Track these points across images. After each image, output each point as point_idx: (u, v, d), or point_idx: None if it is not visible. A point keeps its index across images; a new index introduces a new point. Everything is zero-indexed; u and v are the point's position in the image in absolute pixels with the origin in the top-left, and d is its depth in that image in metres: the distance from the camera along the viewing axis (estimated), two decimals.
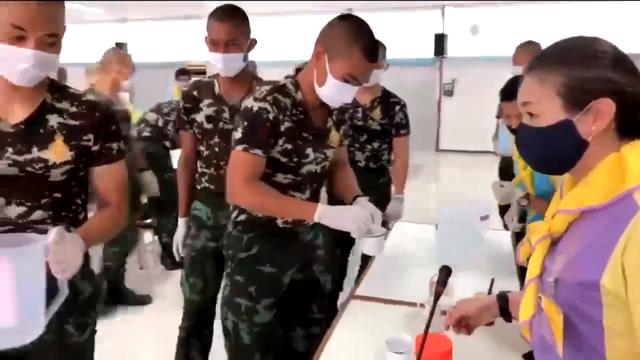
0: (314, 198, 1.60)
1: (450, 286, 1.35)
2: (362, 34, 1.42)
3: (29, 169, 1.10)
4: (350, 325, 1.46)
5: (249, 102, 1.45)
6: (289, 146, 1.48)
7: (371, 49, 1.42)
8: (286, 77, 1.54)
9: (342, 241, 2.43)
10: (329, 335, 1.41)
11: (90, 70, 3.45)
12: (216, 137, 1.86)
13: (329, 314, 1.75)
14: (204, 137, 1.89)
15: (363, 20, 1.46)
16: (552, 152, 0.85)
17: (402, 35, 8.05)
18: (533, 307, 0.84)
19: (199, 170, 1.95)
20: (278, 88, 1.49)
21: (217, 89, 1.87)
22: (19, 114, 1.11)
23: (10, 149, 1.09)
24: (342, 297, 2.57)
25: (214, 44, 1.79)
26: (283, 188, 1.50)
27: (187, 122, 1.92)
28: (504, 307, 1.13)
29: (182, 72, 5.78)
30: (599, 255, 0.76)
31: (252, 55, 2.08)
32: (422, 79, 8.99)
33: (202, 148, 1.91)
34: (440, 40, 8.39)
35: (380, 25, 7.65)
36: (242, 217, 1.57)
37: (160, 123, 3.55)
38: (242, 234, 1.56)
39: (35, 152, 1.10)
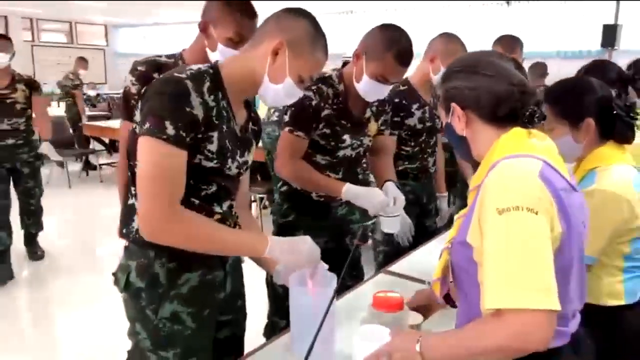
0: (347, 179, 1.81)
1: None
2: (397, 41, 1.61)
3: None
4: (365, 291, 1.64)
5: None
6: (328, 131, 1.73)
7: (403, 56, 1.61)
8: (333, 70, 1.79)
9: None
10: (343, 295, 1.61)
11: None
12: None
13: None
14: None
15: (402, 29, 1.65)
16: (454, 144, 1.09)
17: (564, 26, 7.38)
18: (442, 269, 1.02)
19: None
20: (323, 79, 1.73)
21: None
22: None
23: None
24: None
25: (238, 41, 1.63)
26: (320, 167, 1.76)
27: None
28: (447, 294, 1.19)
29: None
30: (468, 218, 0.92)
31: None
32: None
33: None
34: (610, 31, 7.46)
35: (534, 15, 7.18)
36: (284, 188, 1.87)
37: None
38: (282, 203, 1.86)
39: None
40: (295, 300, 1.24)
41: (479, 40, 6.66)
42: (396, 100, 2.09)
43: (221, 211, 1.25)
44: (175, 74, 1.10)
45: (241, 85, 1.20)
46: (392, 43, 1.60)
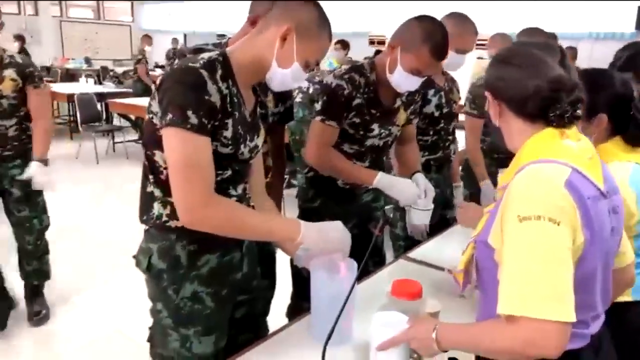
0: (374, 167, 1.82)
1: None
2: (433, 35, 1.59)
3: None
4: (384, 277, 1.68)
5: (329, 78, 1.73)
6: (357, 120, 1.73)
7: (439, 50, 1.59)
8: (365, 58, 1.79)
9: None
10: (363, 280, 1.65)
11: None
12: None
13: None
14: None
15: (439, 22, 1.63)
16: (496, 133, 1.09)
17: (597, 7, 7.13)
18: (467, 261, 1.03)
19: None
20: (356, 67, 1.73)
21: None
22: None
23: None
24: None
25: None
26: (348, 156, 1.78)
27: None
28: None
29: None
30: (491, 219, 0.93)
31: None
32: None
33: None
34: None
35: None
36: (310, 174, 1.89)
37: (310, 90, 4.03)
38: (308, 188, 1.89)
39: None
40: (317, 285, 1.28)
41: (506, 20, 6.49)
42: None
43: (237, 194, 1.29)
44: (190, 64, 1.13)
45: (250, 71, 1.23)
46: (428, 37, 1.58)
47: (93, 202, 5.04)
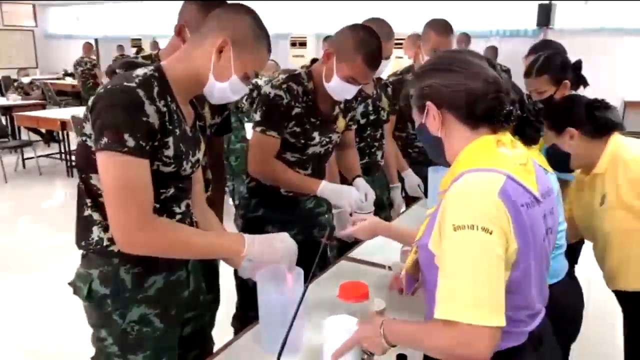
0: (316, 174, 1.83)
1: None
2: (367, 44, 1.61)
3: None
4: (329, 280, 1.68)
5: (267, 89, 1.71)
6: (298, 129, 1.73)
7: (373, 59, 1.62)
8: (302, 67, 1.78)
9: None
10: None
11: None
12: None
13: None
14: None
15: (373, 31, 1.65)
16: (427, 147, 1.07)
17: (501, 5, 7.64)
18: (410, 265, 1.06)
19: None
20: (293, 77, 1.72)
21: None
22: None
23: None
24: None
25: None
26: (290, 164, 1.77)
27: None
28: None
29: None
30: (431, 224, 0.95)
31: None
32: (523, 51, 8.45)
33: None
34: (545, 10, 7.79)
35: None
36: (252, 184, 1.86)
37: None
38: (250, 198, 1.86)
39: None
40: (264, 296, 1.26)
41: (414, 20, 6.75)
42: None
43: (180, 211, 1.25)
44: (125, 83, 1.07)
45: (187, 85, 1.19)
46: (362, 45, 1.60)
47: (3, 225, 4.64)
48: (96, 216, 1.16)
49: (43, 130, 6.99)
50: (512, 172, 0.91)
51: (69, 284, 1.25)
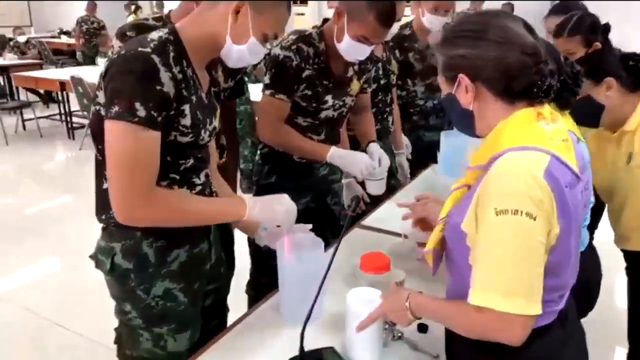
0: (330, 139, 1.79)
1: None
2: (379, 1, 1.53)
3: None
4: (343, 248, 1.68)
5: (276, 50, 1.65)
6: (309, 92, 1.68)
7: (386, 17, 1.54)
8: (313, 27, 1.71)
9: None
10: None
11: None
12: None
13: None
14: None
15: None
16: (454, 118, 1.00)
17: None
18: (436, 241, 1.00)
19: None
20: (303, 37, 1.65)
21: None
22: None
23: None
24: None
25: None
26: (302, 129, 1.73)
27: None
28: None
29: None
30: (465, 204, 0.91)
31: None
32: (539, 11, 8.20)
33: None
34: None
35: None
36: (265, 150, 1.83)
37: None
38: (263, 165, 1.83)
39: None
40: (285, 266, 1.26)
41: None
42: None
43: (201, 182, 1.23)
44: (140, 49, 1.02)
45: (203, 49, 1.14)
46: (374, 3, 1.53)
47: (5, 187, 4.63)
48: (110, 190, 1.12)
49: (41, 91, 6.87)
50: (555, 151, 0.86)
51: (90, 256, 1.23)
